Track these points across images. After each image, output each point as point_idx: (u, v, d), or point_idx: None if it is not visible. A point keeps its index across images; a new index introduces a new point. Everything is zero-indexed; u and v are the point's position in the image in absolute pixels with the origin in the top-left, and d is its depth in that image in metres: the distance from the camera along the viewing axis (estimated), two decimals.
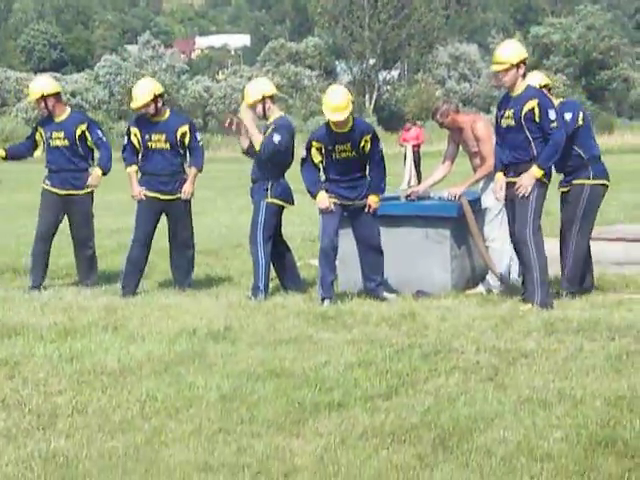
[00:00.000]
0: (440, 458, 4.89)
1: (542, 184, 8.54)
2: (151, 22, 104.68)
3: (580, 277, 9.11)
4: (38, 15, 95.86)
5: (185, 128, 9.72)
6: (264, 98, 9.38)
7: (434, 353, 6.90)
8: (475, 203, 9.38)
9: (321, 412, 5.64)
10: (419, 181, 24.46)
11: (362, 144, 8.95)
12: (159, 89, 9.69)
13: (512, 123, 8.53)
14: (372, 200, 9.06)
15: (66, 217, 10.21)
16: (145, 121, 9.71)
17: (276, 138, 9.26)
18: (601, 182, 9.13)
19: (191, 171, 9.82)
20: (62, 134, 10.05)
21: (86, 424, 5.52)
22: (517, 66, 8.53)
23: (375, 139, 9.02)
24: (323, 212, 9.03)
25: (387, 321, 8.01)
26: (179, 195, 9.73)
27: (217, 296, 9.43)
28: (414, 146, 26.73)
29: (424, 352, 6.92)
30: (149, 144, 9.68)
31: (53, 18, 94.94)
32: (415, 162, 26.22)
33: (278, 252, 9.64)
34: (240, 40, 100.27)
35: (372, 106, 69.83)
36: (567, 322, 7.77)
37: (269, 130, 9.35)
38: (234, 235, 14.16)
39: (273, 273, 9.64)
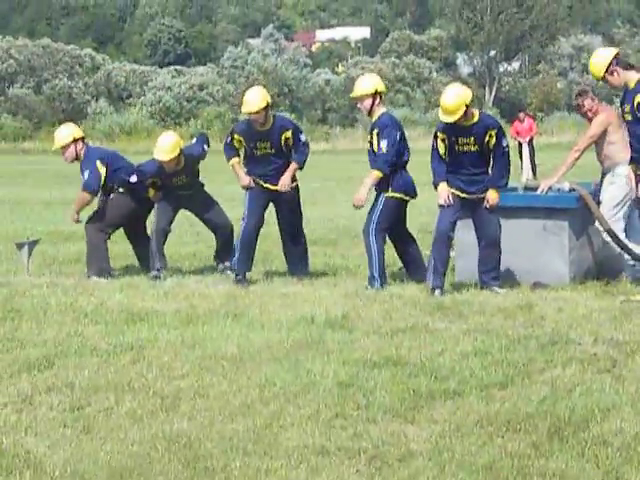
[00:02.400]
0: (555, 447, 4.90)
1: None
2: (273, 15, 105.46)
3: None
4: (163, 9, 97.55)
5: (288, 133, 9.75)
6: (376, 93, 9.32)
7: (550, 344, 6.88)
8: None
9: (436, 400, 5.70)
10: (534, 174, 23.95)
11: (487, 139, 8.87)
12: (269, 97, 9.72)
13: (630, 117, 8.61)
14: (490, 195, 8.96)
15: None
16: (250, 130, 9.74)
17: (383, 144, 9.18)
18: None
19: (291, 165, 9.82)
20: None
21: (207, 407, 5.69)
22: (610, 65, 8.68)
23: (500, 134, 8.91)
24: (441, 204, 9.04)
25: (503, 312, 8.00)
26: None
27: (335, 285, 9.55)
28: (530, 138, 25.84)
29: (540, 343, 6.91)
30: (254, 151, 9.78)
31: (178, 13, 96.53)
32: (530, 154, 25.51)
33: (403, 244, 9.68)
34: (360, 32, 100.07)
35: (492, 98, 69.09)
36: None
37: (374, 134, 9.28)
38: (353, 226, 14.25)
39: (388, 261, 9.68)
